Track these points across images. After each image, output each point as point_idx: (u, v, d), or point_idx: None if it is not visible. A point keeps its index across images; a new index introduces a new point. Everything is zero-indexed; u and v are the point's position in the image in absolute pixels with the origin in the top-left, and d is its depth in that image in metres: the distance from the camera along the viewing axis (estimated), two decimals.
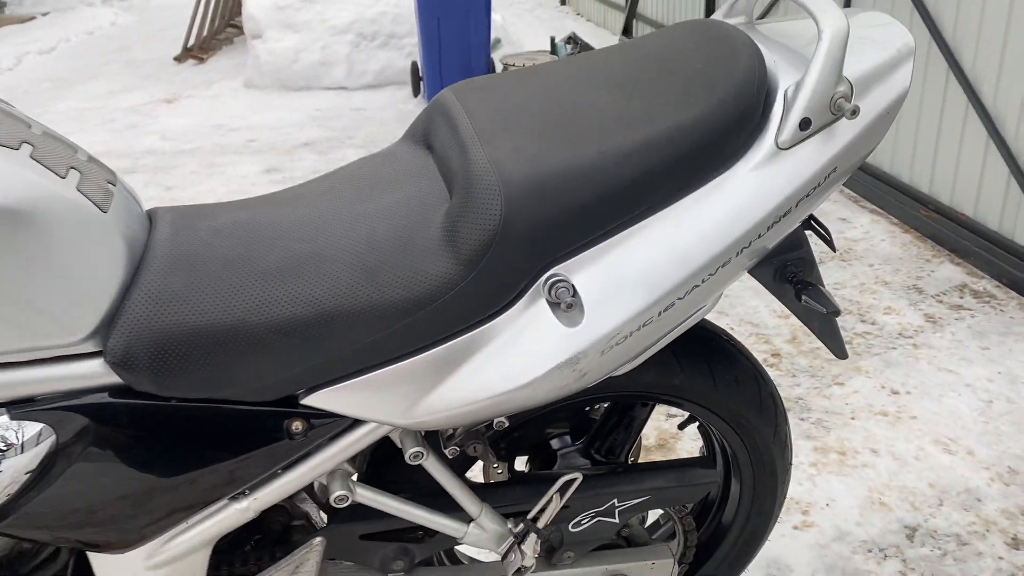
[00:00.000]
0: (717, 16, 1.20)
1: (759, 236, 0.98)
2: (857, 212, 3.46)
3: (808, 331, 2.56)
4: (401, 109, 5.46)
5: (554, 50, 5.44)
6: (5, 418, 0.91)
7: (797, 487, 1.94)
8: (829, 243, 1.14)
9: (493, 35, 5.81)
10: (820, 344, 2.52)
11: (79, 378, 0.93)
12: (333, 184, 1.10)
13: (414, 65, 5.62)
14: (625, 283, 0.95)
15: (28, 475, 0.92)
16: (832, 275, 2.94)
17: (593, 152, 0.95)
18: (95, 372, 0.93)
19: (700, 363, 1.22)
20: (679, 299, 0.97)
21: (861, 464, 2.01)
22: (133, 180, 4.28)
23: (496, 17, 6.52)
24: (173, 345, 0.92)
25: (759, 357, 2.47)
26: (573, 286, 0.95)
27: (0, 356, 0.88)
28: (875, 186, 3.46)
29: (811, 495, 1.92)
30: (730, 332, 1.43)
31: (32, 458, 0.92)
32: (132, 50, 8.05)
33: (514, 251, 0.93)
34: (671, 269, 0.95)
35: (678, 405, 1.26)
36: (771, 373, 2.38)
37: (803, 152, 0.99)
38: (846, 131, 1.00)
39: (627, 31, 6.62)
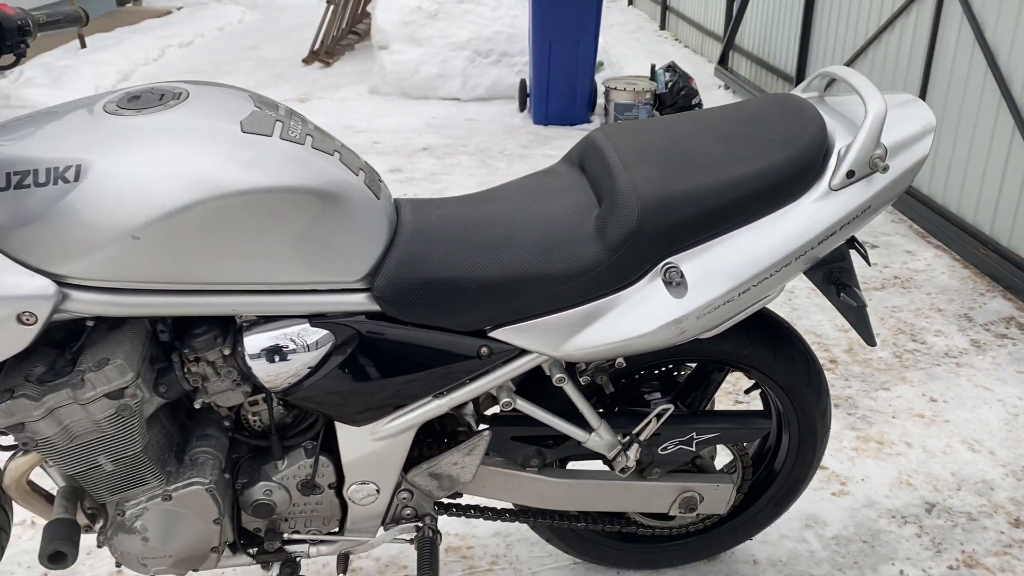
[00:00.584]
0: (797, 91, 1.65)
1: (811, 248, 1.43)
2: (923, 247, 3.82)
3: (862, 344, 2.96)
4: (508, 122, 5.98)
5: (653, 76, 5.88)
6: (307, 325, 1.42)
7: (838, 465, 2.36)
8: (865, 258, 1.58)
9: (596, 58, 6.28)
10: (873, 355, 2.91)
11: (353, 304, 1.43)
12: (518, 190, 1.59)
13: (522, 83, 6.13)
14: (717, 272, 1.41)
15: (316, 363, 1.43)
16: (892, 299, 3.32)
17: (701, 183, 1.42)
18: (363, 302, 1.43)
19: (765, 341, 1.67)
20: (753, 286, 1.42)
21: (895, 453, 2.41)
22: None
23: (599, 40, 6.99)
24: (413, 289, 1.42)
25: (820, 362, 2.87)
26: (681, 271, 1.42)
27: (309, 284, 1.39)
28: (942, 224, 3.81)
29: (849, 471, 2.33)
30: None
31: (318, 354, 1.43)
32: (262, 48, 8.78)
33: (642, 246, 1.40)
34: (748, 265, 1.41)
35: (746, 372, 1.71)
36: (828, 376, 2.79)
37: (848, 193, 1.43)
38: (880, 181, 1.44)
39: (723, 61, 7.01)
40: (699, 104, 5.87)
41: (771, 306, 3.20)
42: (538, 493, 1.68)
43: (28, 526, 2.13)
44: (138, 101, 1.33)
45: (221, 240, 1.29)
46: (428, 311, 1.43)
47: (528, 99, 6.08)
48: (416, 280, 1.41)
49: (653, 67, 5.96)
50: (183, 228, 1.25)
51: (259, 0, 12.21)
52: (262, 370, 1.40)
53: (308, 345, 1.41)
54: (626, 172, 1.46)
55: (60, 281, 1.26)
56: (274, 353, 1.40)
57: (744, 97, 6.40)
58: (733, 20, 6.76)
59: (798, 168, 1.43)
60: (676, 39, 9.13)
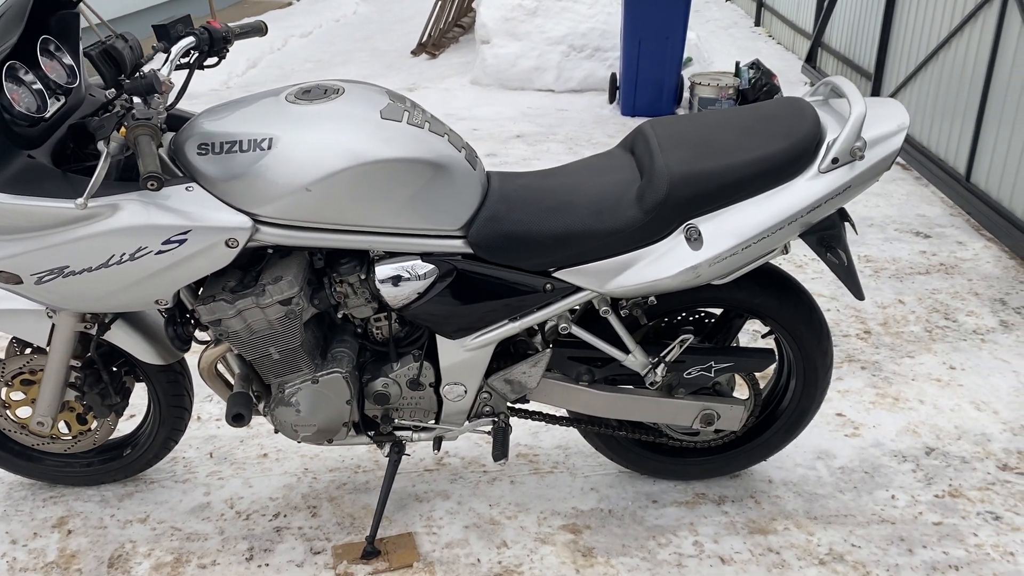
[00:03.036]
0: (806, 95, 2.08)
1: (802, 216, 1.87)
2: (974, 238, 4.11)
3: (896, 319, 3.32)
4: (597, 113, 6.43)
5: (737, 73, 6.23)
6: (419, 261, 1.94)
7: (855, 413, 2.76)
8: (852, 226, 2.01)
9: (686, 54, 6.66)
10: (905, 329, 3.28)
11: (453, 247, 1.94)
12: (581, 167, 2.07)
13: (613, 76, 6.57)
14: (727, 231, 1.87)
15: (426, 288, 1.95)
16: (934, 283, 3.66)
17: (718, 164, 1.87)
18: (461, 246, 1.94)
19: (773, 292, 2.11)
20: (754, 243, 1.87)
21: (908, 408, 2.79)
22: None
23: (691, 35, 7.36)
24: (497, 238, 1.92)
25: (855, 332, 3.26)
26: (699, 230, 1.88)
27: (423, 230, 1.90)
28: (994, 219, 4.09)
29: (864, 419, 2.73)
30: (817, 298, 2.27)
31: (426, 282, 1.95)
32: (374, 39, 9.46)
33: (671, 211, 1.87)
34: (752, 227, 1.86)
35: (760, 318, 2.15)
36: (859, 344, 3.17)
37: (832, 175, 1.87)
38: (859, 167, 1.86)
39: (811, 59, 7.28)
40: None
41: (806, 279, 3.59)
42: (587, 402, 2.17)
43: (197, 421, 2.74)
44: (309, 94, 1.87)
45: (363, 194, 1.82)
46: (507, 255, 1.93)
47: (617, 92, 6.51)
48: (500, 231, 1.92)
49: (737, 64, 6.30)
50: (339, 184, 1.79)
51: None
52: (386, 292, 1.93)
53: (419, 275, 1.93)
54: (663, 154, 1.93)
55: (255, 218, 1.82)
56: (395, 280, 1.93)
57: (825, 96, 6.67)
58: (821, 18, 7.02)
59: (795, 155, 1.87)
60: (769, 35, 9.36)
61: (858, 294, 2.03)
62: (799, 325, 2.13)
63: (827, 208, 1.89)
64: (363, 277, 1.95)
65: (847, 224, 2.02)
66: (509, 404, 2.19)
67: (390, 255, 1.94)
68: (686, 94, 6.37)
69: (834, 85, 1.99)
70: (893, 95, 5.48)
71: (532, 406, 2.32)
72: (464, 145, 1.97)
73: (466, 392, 2.10)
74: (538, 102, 6.71)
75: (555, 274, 1.97)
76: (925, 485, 2.44)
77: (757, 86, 6.14)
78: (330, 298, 1.98)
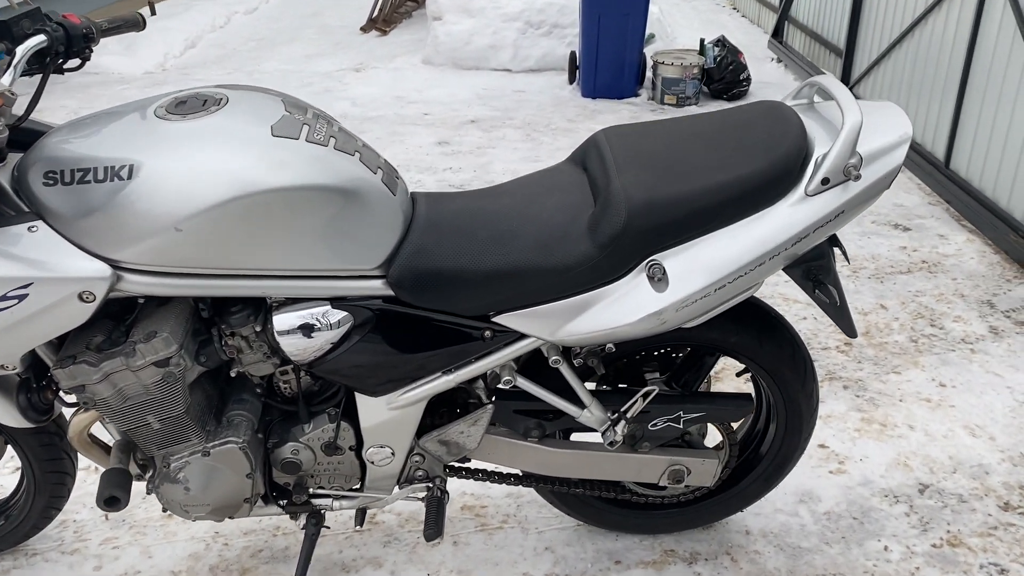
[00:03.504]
0: (787, 100, 1.76)
1: (785, 250, 1.55)
2: (956, 230, 3.85)
3: (879, 327, 3.05)
4: (556, 94, 6.08)
5: (702, 51, 5.91)
6: (329, 307, 1.60)
7: (839, 444, 2.48)
8: (844, 254, 1.70)
9: (648, 30, 6.31)
10: (888, 339, 3.00)
11: (370, 289, 1.61)
12: (524, 186, 1.74)
13: (572, 55, 6.21)
14: (696, 269, 1.55)
15: (336, 340, 1.61)
16: (917, 284, 3.39)
17: (685, 188, 1.55)
18: (379, 287, 1.61)
19: (751, 329, 1.80)
20: (729, 283, 1.55)
21: (897, 435, 2.52)
22: None
23: (654, 9, 7.01)
24: (424, 276, 1.58)
25: (835, 345, 2.98)
26: (664, 268, 1.56)
27: (330, 271, 1.56)
28: (976, 209, 3.83)
29: (849, 451, 2.45)
30: (783, 314, 1.98)
31: (337, 332, 1.61)
32: (323, 15, 8.98)
33: (629, 245, 1.55)
34: (725, 264, 1.54)
35: (735, 357, 1.84)
36: (841, 359, 2.89)
37: (822, 199, 1.55)
38: (853, 188, 1.55)
39: (777, 34, 6.97)
40: (747, 79, 5.89)
41: (773, 299, 3.30)
42: (538, 461, 1.85)
43: (92, 471, 2.38)
44: (184, 107, 1.51)
45: (253, 232, 1.47)
46: (437, 297, 1.60)
47: (577, 72, 6.16)
48: (426, 269, 1.58)
49: (702, 41, 5.98)
50: (219, 221, 1.44)
51: None
52: (288, 345, 1.60)
53: (329, 324, 1.60)
54: (619, 175, 1.60)
55: (115, 265, 1.46)
56: (299, 331, 1.59)
57: (796, 73, 6.38)
58: None
59: (776, 174, 1.55)
60: (734, 8, 9.05)
61: (850, 332, 1.73)
62: (780, 366, 1.83)
63: (816, 237, 1.58)
64: (258, 329, 1.61)
65: (837, 250, 1.72)
66: (447, 465, 1.87)
67: (293, 301, 1.60)
68: (649, 74, 6.03)
69: (821, 86, 1.67)
70: (865, 74, 5.20)
71: (476, 463, 2.00)
72: (381, 164, 1.63)
73: (394, 455, 1.78)
74: (494, 83, 6.34)
75: (495, 319, 1.64)
76: (921, 532, 2.17)
77: (723, 65, 5.83)
78: (220, 354, 1.64)
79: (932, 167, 4.25)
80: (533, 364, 1.77)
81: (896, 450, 2.46)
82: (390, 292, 1.61)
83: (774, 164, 1.55)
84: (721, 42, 5.92)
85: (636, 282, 1.58)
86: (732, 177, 1.56)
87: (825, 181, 1.54)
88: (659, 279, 1.56)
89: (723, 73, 5.83)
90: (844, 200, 1.55)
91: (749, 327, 1.80)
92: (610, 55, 5.87)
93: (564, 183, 1.73)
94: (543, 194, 1.70)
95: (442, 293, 1.60)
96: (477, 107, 5.78)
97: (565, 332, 1.61)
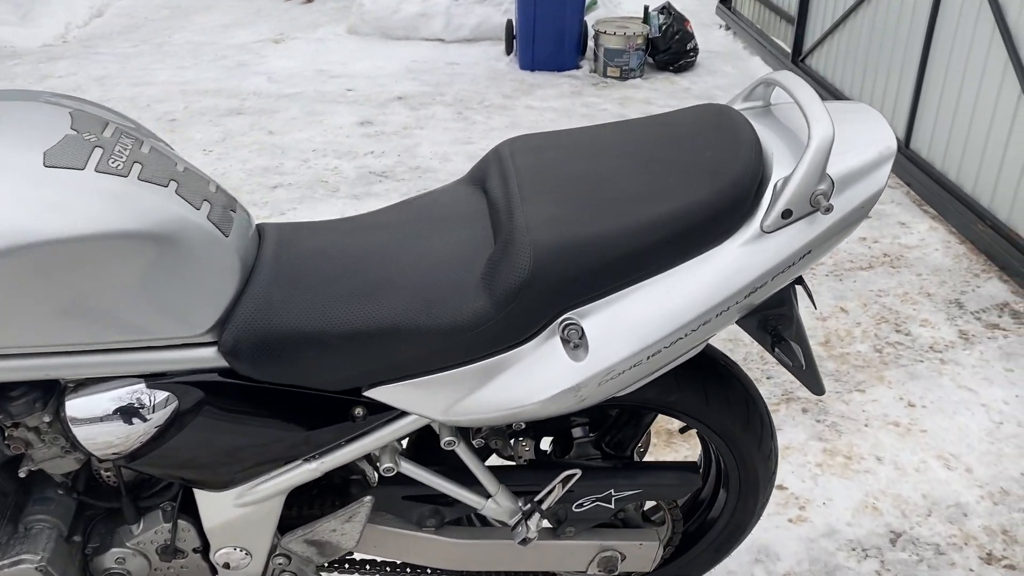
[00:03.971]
0: (737, 101, 1.39)
1: (735, 303, 1.20)
2: (918, 217, 3.56)
3: (840, 335, 2.74)
4: (492, 67, 5.66)
5: (646, 19, 5.53)
6: (143, 386, 1.21)
7: (799, 483, 2.16)
8: (811, 300, 1.36)
9: None
10: (850, 348, 2.70)
11: (198, 361, 1.22)
12: (409, 215, 1.36)
13: (509, 23, 5.78)
14: (622, 331, 1.19)
15: (156, 429, 1.23)
16: (879, 282, 3.09)
17: (609, 224, 1.19)
18: (210, 357, 1.22)
19: (696, 384, 1.45)
20: (665, 347, 1.20)
21: (864, 470, 2.22)
22: (240, 121, 4.63)
23: None
24: (269, 342, 1.20)
25: None
26: (582, 328, 1.20)
27: (143, 341, 1.18)
28: (938, 193, 3.54)
29: (811, 492, 2.14)
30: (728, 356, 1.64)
31: (159, 417, 1.23)
32: None
33: (536, 298, 1.18)
34: (660, 324, 1.19)
35: (676, 417, 1.50)
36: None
37: (783, 236, 1.20)
38: (822, 221, 1.20)
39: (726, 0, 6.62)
40: (694, 49, 5.53)
41: None
42: (436, 553, 1.50)
43: None
44: None
45: (27, 298, 1.08)
46: (287, 369, 1.22)
47: (515, 42, 5.74)
48: (271, 333, 1.20)
49: (646, 9, 5.59)
50: None
51: None
52: (89, 437, 1.21)
53: (144, 408, 1.21)
54: (523, 206, 1.23)
55: None
56: (103, 418, 1.20)
57: (745, 42, 6.04)
58: None
59: (725, 205, 1.19)
60: None
61: (817, 390, 1.39)
62: (732, 427, 1.49)
63: (776, 284, 1.23)
64: (47, 420, 1.21)
65: (800, 289, 1.37)
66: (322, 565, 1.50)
67: (94, 380, 1.21)
68: (590, 44, 5.64)
69: (780, 85, 1.31)
70: (818, 44, 4.87)
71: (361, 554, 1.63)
72: (209, 195, 1.23)
73: (251, 557, 1.40)
74: (425, 54, 5.89)
75: (368, 393, 1.27)
76: None
77: (669, 34, 5.46)
78: (4, 449, 1.24)
79: None
80: (424, 443, 1.41)
81: (863, 489, 2.15)
82: (224, 363, 1.22)
83: (721, 192, 1.19)
84: (666, 9, 5.55)
85: (547, 347, 1.21)
86: (669, 209, 1.19)
87: (787, 214, 1.19)
88: (576, 344, 1.19)
89: (669, 43, 5.46)
90: (811, 237, 1.20)
91: (693, 381, 1.45)
92: (549, 24, 5.46)
93: (457, 213, 1.35)
94: (429, 229, 1.32)
95: (293, 364, 1.22)
96: (406, 82, 5.33)
97: (458, 411, 1.24)
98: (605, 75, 5.42)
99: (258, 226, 1.37)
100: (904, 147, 3.87)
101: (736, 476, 1.58)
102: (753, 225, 1.20)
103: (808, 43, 5.06)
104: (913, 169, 3.74)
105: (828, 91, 4.65)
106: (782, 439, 2.31)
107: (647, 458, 1.84)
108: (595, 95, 5.13)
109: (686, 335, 1.20)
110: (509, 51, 5.83)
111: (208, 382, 1.23)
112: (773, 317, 1.32)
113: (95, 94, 5.06)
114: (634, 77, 5.40)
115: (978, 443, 2.31)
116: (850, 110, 1.32)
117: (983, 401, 2.47)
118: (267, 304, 1.21)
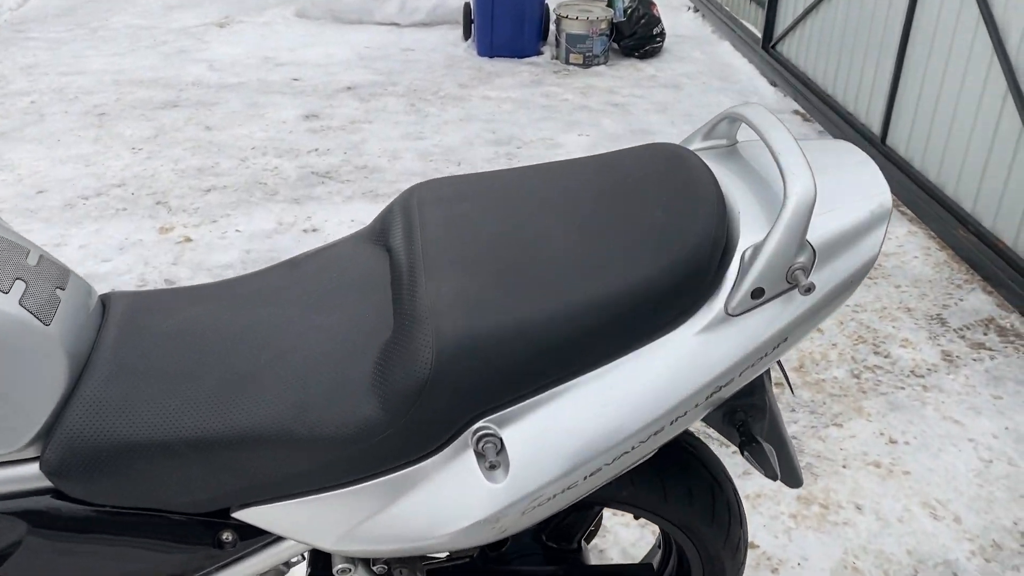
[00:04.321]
0: (695, 140, 1.14)
1: (696, 404, 0.96)
2: (895, 220, 3.34)
3: (815, 360, 2.52)
4: (449, 53, 5.36)
5: (611, 3, 5.25)
6: None
7: (772, 540, 1.94)
8: (788, 383, 1.12)
9: None
10: (826, 374, 2.48)
11: (16, 481, 0.96)
12: (294, 281, 1.10)
13: (467, 7, 5.48)
14: (551, 445, 0.94)
15: None
16: (855, 296, 2.87)
17: (535, 308, 0.93)
18: (32, 476, 0.96)
19: (652, 477, 1.21)
20: (606, 464, 0.96)
21: (842, 521, 2.00)
22: (175, 115, 4.30)
23: None
24: (105, 457, 0.94)
25: None
26: (501, 440, 0.95)
27: None
28: (917, 195, 3.32)
29: (785, 551, 1.92)
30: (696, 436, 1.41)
31: None
32: None
33: (442, 402, 0.93)
34: (599, 436, 0.94)
35: (629, 511, 1.26)
36: None
37: (753, 320, 0.95)
38: (802, 302, 0.96)
39: None
40: (661, 34, 5.26)
41: None
42: None
43: None
44: None
45: None
46: (127, 489, 0.96)
47: (472, 26, 5.44)
48: (104, 445, 0.94)
49: None
50: None
51: None
52: None
53: None
54: (428, 282, 0.97)
55: None
56: None
57: (714, 25, 5.79)
58: None
59: (678, 283, 0.94)
60: None
61: (793, 482, 1.16)
62: (695, 521, 1.25)
63: (744, 379, 0.99)
64: None
65: (775, 375, 1.13)
66: None
67: None
68: (552, 28, 5.35)
69: (748, 123, 1.05)
70: (790, 29, 4.62)
71: None
72: (23, 273, 0.96)
73: None
74: (378, 40, 5.57)
75: (237, 515, 1.01)
76: None
77: (634, 18, 5.19)
78: None
79: (866, 141, 3.72)
80: (315, 560, 1.15)
81: (842, 545, 1.94)
82: (48, 483, 0.96)
83: (674, 266, 0.94)
84: None
85: (458, 464, 0.96)
86: (609, 288, 0.94)
87: (757, 293, 0.94)
88: (493, 463, 0.94)
89: (634, 27, 5.19)
90: (787, 322, 0.96)
91: (650, 475, 1.21)
92: (508, 7, 5.16)
93: (351, 280, 1.09)
94: (316, 301, 1.06)
95: (134, 483, 0.96)
96: (357, 70, 5.02)
97: (351, 539, 0.99)
98: (567, 62, 5.14)
99: (102, 297, 1.10)
100: (880, 142, 3.65)
101: (699, 568, 1.35)
102: (715, 306, 0.96)
103: (780, 28, 4.81)
104: (889, 167, 3.52)
105: (799, 80, 4.41)
106: (753, 487, 2.09)
107: (596, 545, 1.62)
108: (556, 84, 4.86)
109: (633, 447, 0.96)
110: (467, 36, 5.52)
111: (30, 507, 0.97)
112: (741, 408, 1.08)
113: (20, 85, 4.70)
114: (598, 64, 5.13)
115: (966, 487, 2.10)
116: (832, 151, 1.07)
117: (970, 435, 2.26)
118: (100, 407, 0.95)
